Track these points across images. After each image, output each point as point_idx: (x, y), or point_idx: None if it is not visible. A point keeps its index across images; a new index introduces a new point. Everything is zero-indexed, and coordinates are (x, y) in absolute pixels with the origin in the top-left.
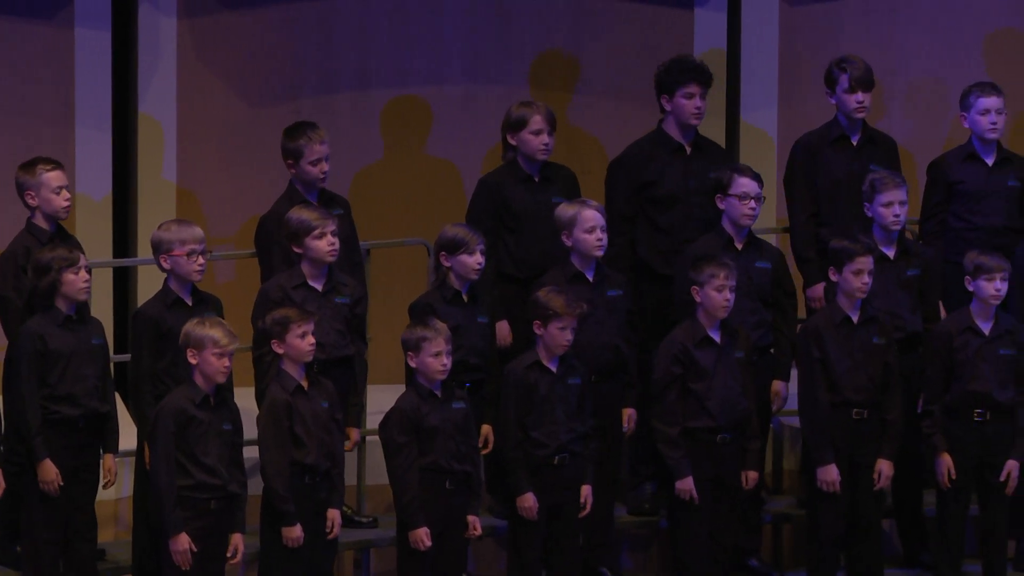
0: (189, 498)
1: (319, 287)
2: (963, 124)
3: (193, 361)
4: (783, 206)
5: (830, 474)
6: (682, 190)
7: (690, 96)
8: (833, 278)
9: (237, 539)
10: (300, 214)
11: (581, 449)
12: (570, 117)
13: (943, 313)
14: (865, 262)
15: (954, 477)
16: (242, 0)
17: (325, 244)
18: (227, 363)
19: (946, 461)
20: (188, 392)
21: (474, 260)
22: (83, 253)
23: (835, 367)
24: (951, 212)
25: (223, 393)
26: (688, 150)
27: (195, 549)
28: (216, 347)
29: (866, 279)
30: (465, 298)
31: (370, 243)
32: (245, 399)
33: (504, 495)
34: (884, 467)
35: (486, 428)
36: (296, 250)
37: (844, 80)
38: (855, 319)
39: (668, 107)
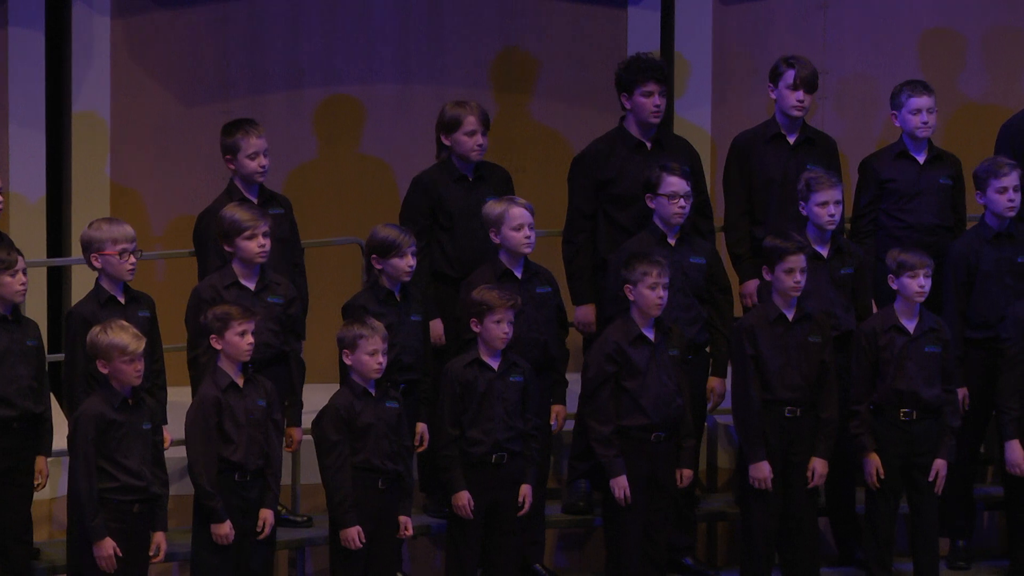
0: (112, 501)
1: (251, 286)
2: (894, 123)
3: (104, 371)
4: (718, 204)
5: (761, 471)
6: (640, 187)
7: (648, 94)
8: (767, 277)
9: (159, 538)
10: (233, 213)
11: (520, 448)
12: (502, 115)
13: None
14: (797, 260)
15: (882, 476)
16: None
17: (255, 245)
18: (139, 366)
19: (874, 461)
20: (105, 396)
21: (405, 263)
22: (21, 255)
23: (768, 365)
24: (883, 210)
25: (139, 393)
26: (649, 147)
27: (120, 553)
28: (124, 354)
29: (798, 277)
30: (398, 298)
31: (304, 242)
32: (183, 396)
33: (440, 494)
34: (818, 465)
35: (421, 427)
36: (227, 249)
37: (789, 76)
38: (790, 317)
39: (628, 105)
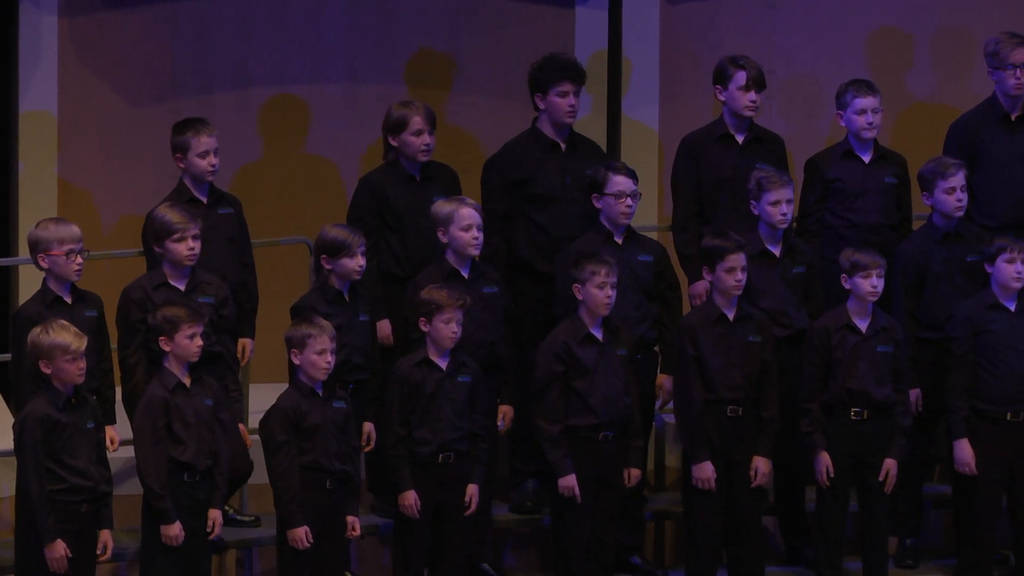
0: (61, 502)
1: (181, 287)
2: (839, 123)
3: (47, 371)
4: (667, 203)
5: (704, 471)
6: (559, 187)
7: (563, 94)
8: (707, 277)
9: (106, 536)
10: (164, 215)
11: (468, 448)
12: (449, 116)
13: None
14: (738, 259)
15: (832, 475)
16: None
17: (184, 248)
18: (82, 365)
19: (824, 459)
20: (49, 396)
21: (356, 263)
22: None
23: (710, 364)
24: (828, 210)
25: (82, 392)
26: (563, 147)
27: (70, 555)
28: (67, 353)
29: (740, 276)
30: (347, 298)
31: (251, 242)
32: None
33: (388, 493)
34: (760, 464)
35: (368, 426)
36: (157, 250)
37: (741, 77)
38: (731, 316)
39: (542, 105)
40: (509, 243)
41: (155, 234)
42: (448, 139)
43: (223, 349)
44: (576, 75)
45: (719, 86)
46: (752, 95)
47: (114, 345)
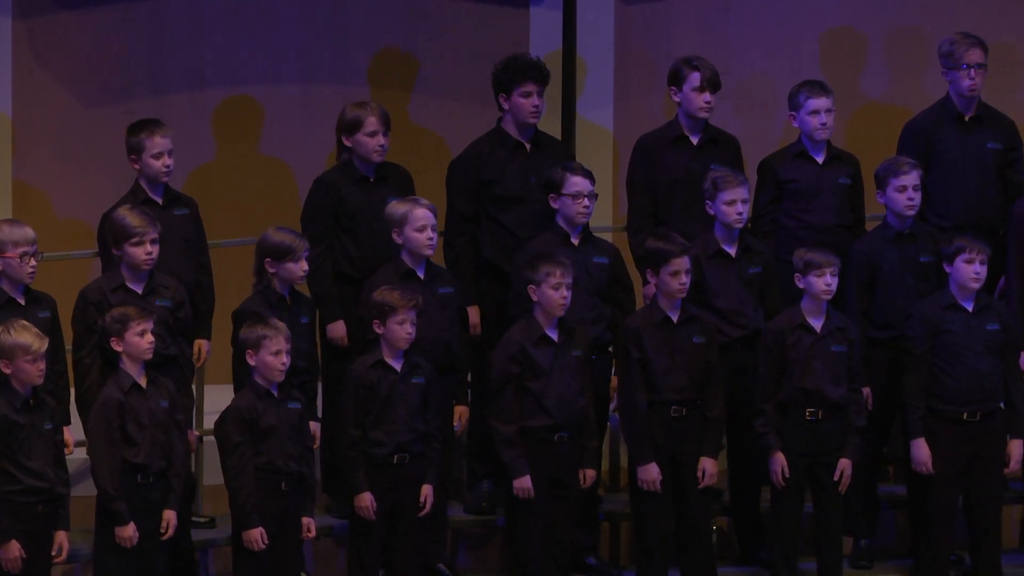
0: (16, 503)
1: (139, 289)
2: (793, 124)
3: (7, 371)
4: (622, 204)
5: (650, 473)
6: (523, 188)
7: (527, 95)
8: (651, 280)
9: (61, 537)
10: (124, 218)
11: (422, 449)
12: (408, 116)
13: None
14: (681, 263)
15: (788, 475)
16: (77, 0)
17: (142, 252)
18: (41, 366)
19: (779, 460)
20: (7, 397)
21: (300, 267)
22: None
23: (654, 367)
24: (782, 211)
25: (40, 394)
26: (528, 147)
27: (25, 556)
28: (28, 353)
29: (684, 280)
30: (288, 301)
31: (207, 243)
32: None
33: (342, 494)
34: (707, 465)
35: (314, 426)
36: (115, 252)
37: (695, 78)
38: (675, 319)
39: (506, 106)
40: (475, 244)
41: (113, 237)
42: (406, 139)
43: (178, 352)
44: (540, 76)
45: (674, 87)
46: (707, 96)
47: (69, 346)
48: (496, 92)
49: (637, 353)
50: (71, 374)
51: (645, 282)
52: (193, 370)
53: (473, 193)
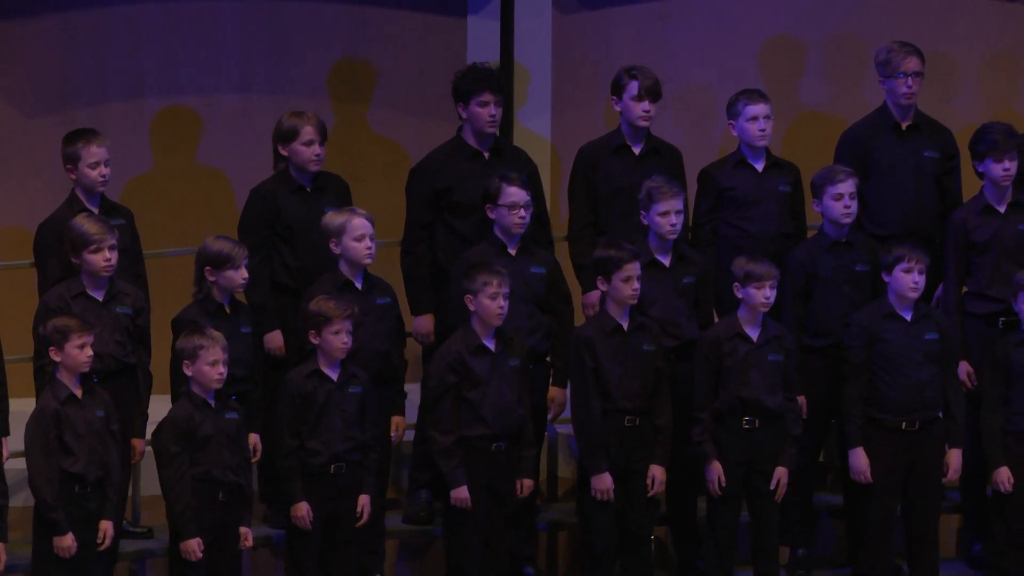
0: None
1: (99, 297)
2: (732, 132)
3: None
4: (560, 213)
5: (604, 482)
6: (480, 196)
7: (484, 104)
8: (602, 287)
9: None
10: (82, 225)
11: (359, 458)
12: (348, 124)
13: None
14: (633, 268)
15: (724, 484)
16: (15, 9)
17: (100, 259)
18: None
19: (716, 468)
20: None
21: (240, 275)
22: None
23: (607, 375)
24: (722, 219)
25: None
26: (486, 156)
27: None
28: None
29: (636, 285)
30: (228, 310)
31: (143, 253)
32: (25, 407)
33: (279, 504)
34: (657, 473)
35: (254, 437)
36: (74, 260)
37: (633, 87)
38: (625, 326)
39: (464, 115)
40: (432, 251)
41: (72, 245)
42: (345, 148)
43: (137, 361)
44: (497, 85)
45: (615, 96)
46: (645, 105)
47: (16, 356)
48: (455, 101)
49: (591, 362)
50: (29, 383)
51: (585, 291)
52: (151, 379)
53: (431, 201)
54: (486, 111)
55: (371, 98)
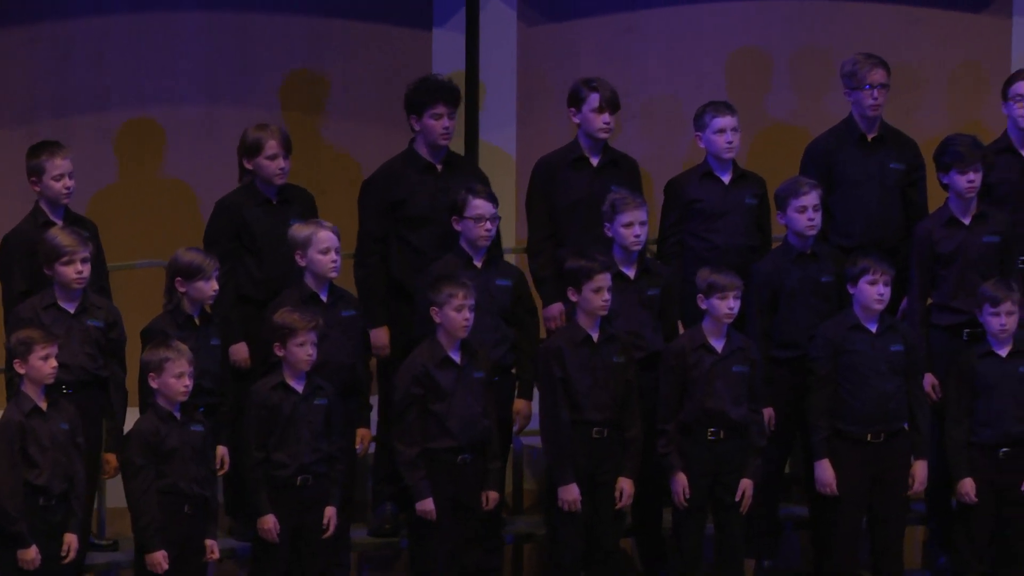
0: None
1: (71, 309)
2: (699, 144)
3: None
4: (524, 226)
5: (571, 493)
6: (433, 209)
7: (438, 116)
8: (573, 298)
9: None
10: (55, 237)
11: (326, 470)
12: (310, 137)
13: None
14: (604, 279)
15: (689, 496)
16: None
17: (72, 271)
18: None
19: (681, 480)
20: None
21: (210, 286)
22: None
23: (577, 386)
24: (689, 231)
25: None
26: (439, 168)
27: None
28: None
29: (606, 296)
30: (197, 322)
31: (107, 265)
32: None
33: (245, 517)
34: (625, 485)
35: (222, 450)
36: (46, 271)
37: (594, 100)
38: (595, 338)
39: (417, 127)
40: (385, 264)
41: (45, 256)
42: (309, 160)
43: (110, 374)
44: (450, 97)
45: (573, 108)
46: (606, 117)
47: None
48: (407, 113)
49: (560, 372)
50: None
51: (546, 304)
52: (125, 393)
53: (384, 213)
54: (440, 123)
55: (334, 111)
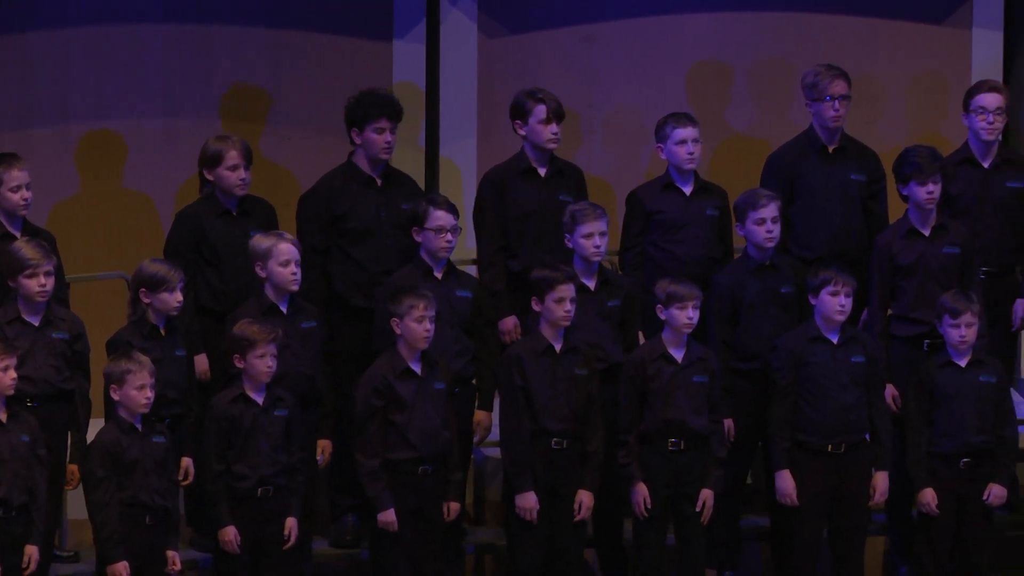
0: None
1: (35, 322)
2: (660, 155)
3: None
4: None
5: (528, 501)
6: (375, 222)
7: (380, 131)
8: (536, 308)
9: None
10: (20, 250)
11: (286, 482)
12: (265, 150)
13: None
14: (567, 290)
15: (650, 506)
16: None
17: (35, 284)
18: None
19: (642, 491)
20: None
21: (174, 298)
22: None
23: (536, 396)
24: (650, 242)
25: None
26: (379, 182)
27: None
28: None
29: (568, 307)
30: (162, 332)
31: (68, 277)
32: None
33: (207, 528)
34: (585, 498)
35: (186, 461)
36: (10, 283)
37: (541, 111)
38: (557, 348)
39: (358, 140)
40: (326, 277)
41: (8, 268)
42: (263, 173)
43: (75, 386)
44: (393, 112)
45: (518, 120)
46: (553, 127)
47: None
48: (348, 127)
49: (520, 381)
50: None
51: (500, 318)
52: (90, 405)
53: (324, 227)
54: (382, 138)
55: (286, 123)
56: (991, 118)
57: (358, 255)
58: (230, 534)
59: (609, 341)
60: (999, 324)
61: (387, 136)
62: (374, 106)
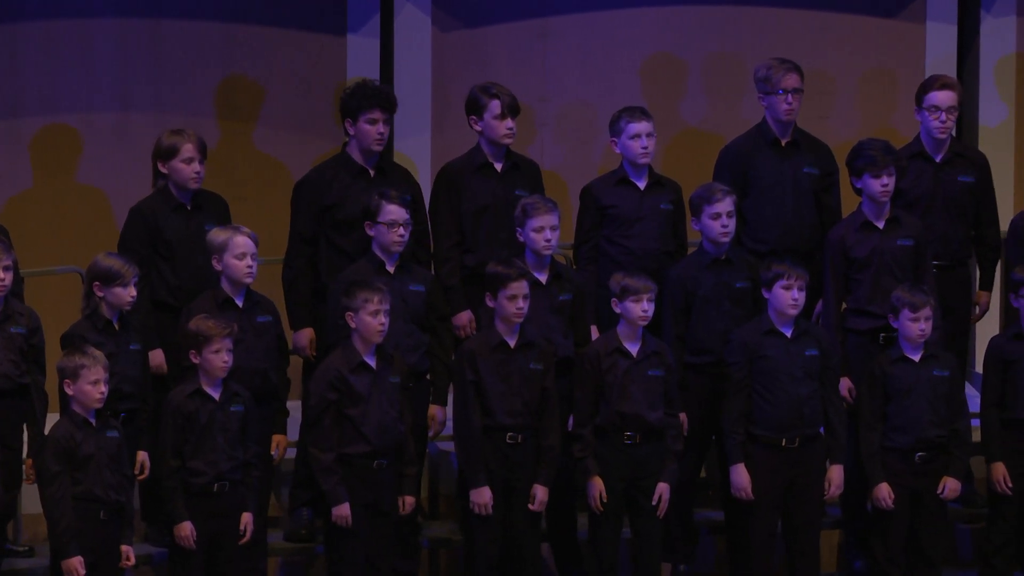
0: None
1: None
2: (614, 149)
3: None
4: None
5: (482, 496)
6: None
7: (373, 122)
8: (489, 304)
9: None
10: None
11: (242, 477)
12: (224, 143)
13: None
14: (520, 287)
15: (605, 500)
16: None
17: None
18: None
19: (597, 484)
20: None
21: (128, 292)
22: None
23: (489, 391)
24: (604, 237)
25: None
26: (372, 173)
27: None
28: None
29: (521, 304)
30: (116, 327)
31: (22, 272)
32: None
33: (162, 523)
34: (540, 492)
35: (142, 455)
36: None
37: (495, 106)
38: (512, 343)
39: (351, 131)
40: (314, 266)
41: None
42: (216, 166)
43: (31, 381)
44: (386, 103)
45: (474, 116)
46: (508, 122)
47: None
48: (342, 118)
49: (472, 375)
50: None
51: (454, 313)
52: (47, 399)
53: (315, 216)
54: (375, 129)
55: (255, 115)
56: (943, 116)
57: (346, 245)
58: (186, 529)
59: (559, 335)
60: (950, 317)
61: (380, 127)
62: (367, 97)
